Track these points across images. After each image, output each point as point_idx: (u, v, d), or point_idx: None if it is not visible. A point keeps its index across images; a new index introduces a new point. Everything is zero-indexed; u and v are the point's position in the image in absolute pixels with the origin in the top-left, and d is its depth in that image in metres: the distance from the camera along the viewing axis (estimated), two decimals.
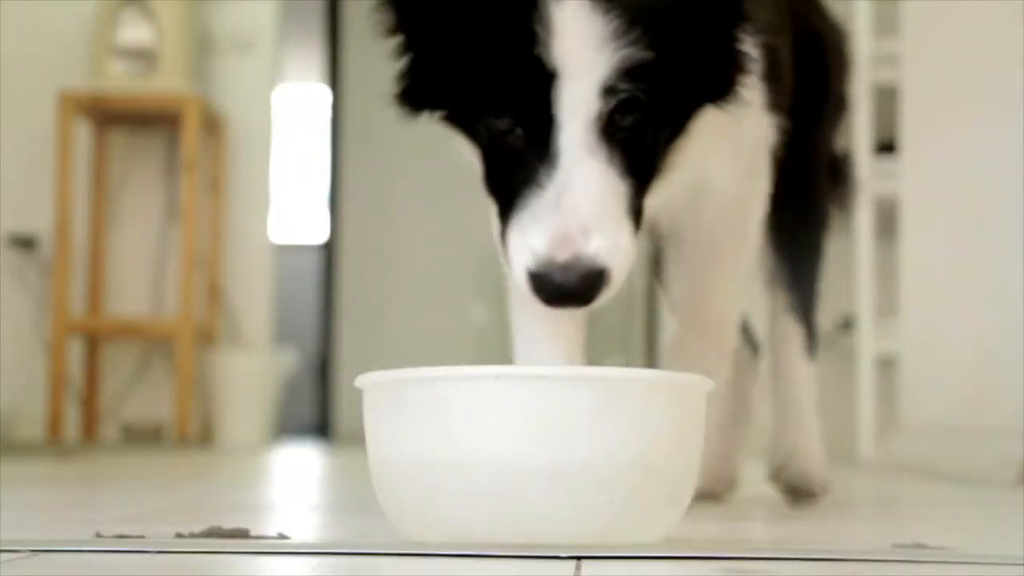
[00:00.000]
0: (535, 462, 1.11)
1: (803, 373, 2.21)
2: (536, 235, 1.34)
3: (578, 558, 1.11)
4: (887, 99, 4.36)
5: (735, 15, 1.46)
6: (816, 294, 2.26)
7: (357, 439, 1.27)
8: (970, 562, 1.22)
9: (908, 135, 3.93)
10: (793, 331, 2.21)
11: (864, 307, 4.62)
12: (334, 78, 7.65)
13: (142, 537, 1.25)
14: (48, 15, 5.71)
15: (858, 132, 4.53)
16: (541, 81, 1.34)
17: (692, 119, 1.48)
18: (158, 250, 5.84)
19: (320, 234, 8.16)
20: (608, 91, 1.35)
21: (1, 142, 5.63)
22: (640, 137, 1.40)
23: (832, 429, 5.24)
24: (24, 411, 5.47)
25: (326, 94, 7.98)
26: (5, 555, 1.12)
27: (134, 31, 5.45)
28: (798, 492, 2.08)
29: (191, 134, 5.41)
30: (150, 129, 5.81)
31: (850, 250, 4.58)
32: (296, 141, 9.09)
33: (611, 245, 1.34)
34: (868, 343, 4.60)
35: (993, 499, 2.44)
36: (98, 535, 1.27)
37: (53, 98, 5.40)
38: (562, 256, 1.32)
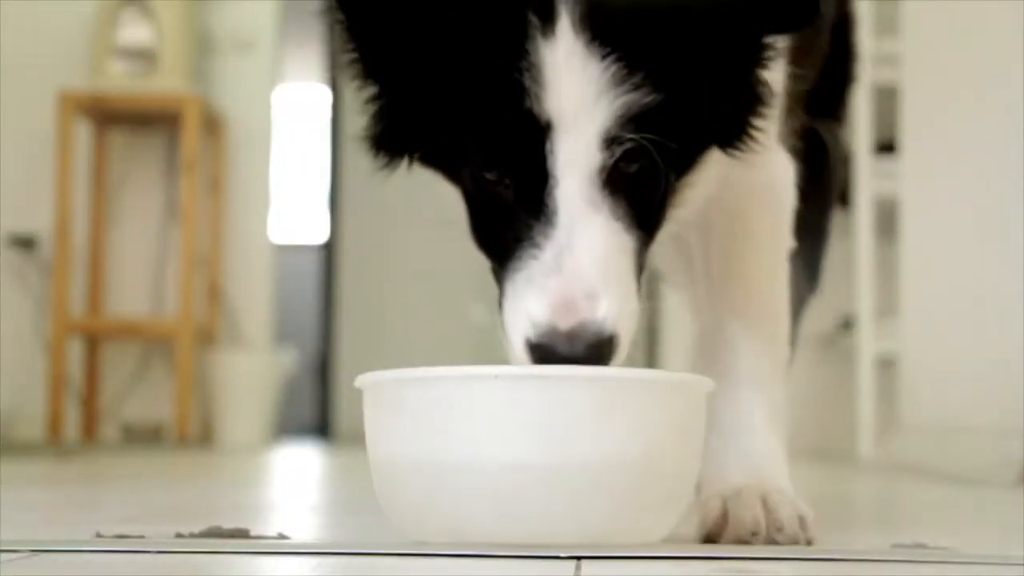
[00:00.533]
0: (535, 462, 1.11)
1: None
2: (535, 301, 1.20)
3: (578, 558, 1.11)
4: (887, 99, 4.36)
5: (753, 55, 1.30)
6: (808, 303, 2.07)
7: (357, 439, 1.27)
8: (970, 562, 1.22)
9: (908, 135, 3.92)
10: None
11: (864, 307, 4.62)
12: (334, 78, 7.65)
13: (142, 537, 1.25)
14: (48, 15, 5.71)
15: (858, 132, 4.53)
16: (533, 134, 1.21)
17: (700, 160, 1.33)
18: (158, 250, 5.84)
19: (320, 234, 8.17)
20: (610, 141, 1.22)
21: (1, 142, 5.63)
22: (646, 184, 1.26)
23: (832, 429, 5.26)
24: (24, 411, 5.47)
25: (326, 94, 7.99)
26: (5, 555, 1.12)
27: (134, 31, 5.45)
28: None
29: (191, 134, 5.41)
30: (150, 129, 5.81)
31: (850, 250, 4.58)
32: (296, 141, 9.09)
33: (620, 308, 1.20)
34: (868, 343, 4.60)
35: (993, 499, 2.44)
36: (98, 535, 1.27)
37: (53, 98, 5.40)
38: (566, 324, 1.17)
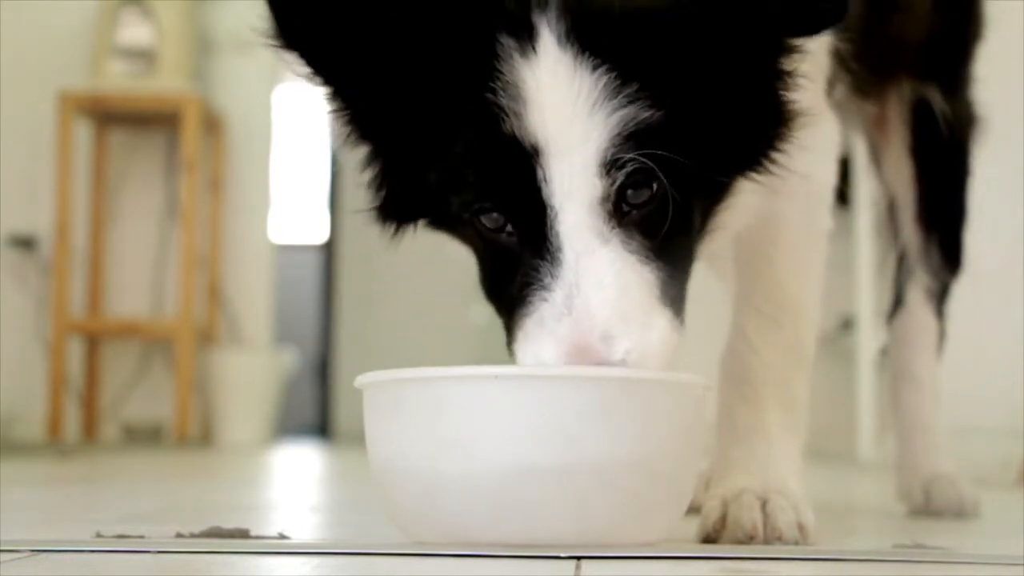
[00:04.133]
0: (534, 462, 1.11)
1: (932, 377, 2.02)
2: (547, 347, 1.12)
3: (578, 558, 1.10)
4: None
5: (769, 65, 1.18)
6: (951, 289, 2.02)
7: (357, 439, 1.27)
8: (970, 562, 1.22)
9: None
10: (928, 325, 2.00)
11: (864, 307, 4.61)
12: None
13: (142, 537, 1.25)
14: (48, 15, 5.71)
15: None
16: (520, 162, 1.12)
17: (728, 185, 1.22)
18: (158, 250, 5.84)
19: (320, 234, 8.17)
20: (611, 164, 1.11)
21: (1, 142, 5.63)
22: (660, 210, 1.15)
23: (832, 429, 5.25)
24: (24, 411, 5.47)
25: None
26: (5, 555, 1.12)
27: (134, 31, 5.45)
28: (947, 514, 1.92)
29: (191, 134, 5.41)
30: (150, 129, 5.81)
31: (850, 250, 4.58)
32: (296, 141, 9.08)
33: (642, 345, 1.12)
34: (868, 343, 4.60)
35: (993, 499, 2.44)
36: (98, 535, 1.27)
37: (53, 98, 5.40)
38: None
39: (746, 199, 1.26)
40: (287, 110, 8.40)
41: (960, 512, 1.92)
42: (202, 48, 5.85)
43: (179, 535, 1.26)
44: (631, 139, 1.11)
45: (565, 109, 1.10)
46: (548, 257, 1.13)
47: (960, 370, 3.37)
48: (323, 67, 1.22)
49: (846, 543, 1.43)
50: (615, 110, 1.11)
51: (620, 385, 1.14)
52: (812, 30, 1.19)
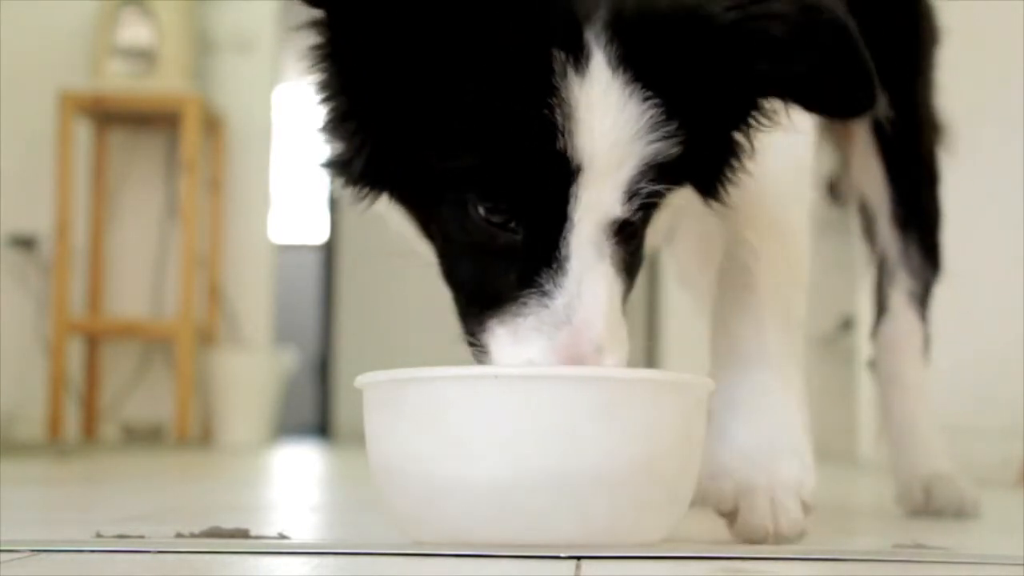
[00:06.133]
0: (534, 462, 1.11)
1: (920, 380, 2.04)
2: (540, 351, 1.16)
3: (578, 558, 1.10)
4: None
5: (742, 111, 1.25)
6: (933, 289, 2.04)
7: (357, 439, 1.27)
8: (970, 562, 1.22)
9: None
10: (913, 329, 2.03)
11: (864, 307, 4.61)
12: None
13: (142, 537, 1.25)
14: (48, 15, 5.71)
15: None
16: (561, 177, 1.15)
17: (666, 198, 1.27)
18: (158, 250, 5.84)
19: (320, 234, 8.17)
20: (634, 192, 1.17)
21: (1, 142, 5.63)
22: (641, 231, 1.23)
23: (832, 429, 5.25)
24: (24, 411, 5.47)
25: None
26: (5, 555, 1.12)
27: (134, 31, 5.45)
28: (948, 514, 1.92)
29: (191, 134, 5.41)
30: (150, 129, 5.81)
31: (850, 250, 4.58)
32: (296, 141, 9.08)
33: (622, 359, 1.18)
34: (868, 343, 4.59)
35: (993, 499, 2.44)
36: (98, 535, 1.27)
37: (53, 98, 5.40)
38: None
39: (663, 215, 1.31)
40: (287, 110, 8.40)
41: (960, 512, 1.92)
42: (202, 48, 5.85)
43: (179, 535, 1.26)
44: (653, 169, 1.16)
45: (610, 134, 1.14)
46: (554, 266, 1.17)
47: (960, 370, 3.38)
48: (338, 35, 1.21)
49: (846, 543, 1.43)
50: (652, 143, 1.15)
51: (621, 385, 1.14)
52: (844, 114, 1.30)
